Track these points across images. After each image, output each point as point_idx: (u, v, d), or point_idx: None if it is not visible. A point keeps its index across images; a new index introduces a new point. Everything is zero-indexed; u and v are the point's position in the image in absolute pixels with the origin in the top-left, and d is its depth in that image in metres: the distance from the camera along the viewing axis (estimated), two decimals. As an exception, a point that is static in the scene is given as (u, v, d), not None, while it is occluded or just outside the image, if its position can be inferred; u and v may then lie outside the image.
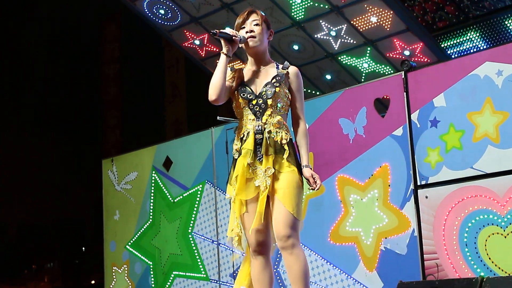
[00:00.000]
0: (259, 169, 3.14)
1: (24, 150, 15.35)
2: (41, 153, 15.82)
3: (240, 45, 3.26)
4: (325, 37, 8.61)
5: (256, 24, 3.25)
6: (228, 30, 3.22)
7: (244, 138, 3.21)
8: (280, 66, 3.31)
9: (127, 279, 6.60)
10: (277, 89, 3.19)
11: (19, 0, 15.27)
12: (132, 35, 14.34)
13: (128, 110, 15.19)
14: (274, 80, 3.22)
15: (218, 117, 5.66)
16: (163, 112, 14.89)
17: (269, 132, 3.17)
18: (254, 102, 3.21)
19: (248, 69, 3.34)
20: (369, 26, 8.19)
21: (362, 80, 8.69)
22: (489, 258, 4.06)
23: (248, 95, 3.22)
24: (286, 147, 3.16)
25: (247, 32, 3.24)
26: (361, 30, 8.28)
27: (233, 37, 3.20)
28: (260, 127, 3.18)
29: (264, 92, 3.20)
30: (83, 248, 14.54)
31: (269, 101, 3.18)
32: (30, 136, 15.56)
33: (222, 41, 3.23)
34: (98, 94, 15.17)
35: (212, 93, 3.21)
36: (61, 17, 15.52)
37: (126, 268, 6.62)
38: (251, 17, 3.28)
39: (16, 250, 14.05)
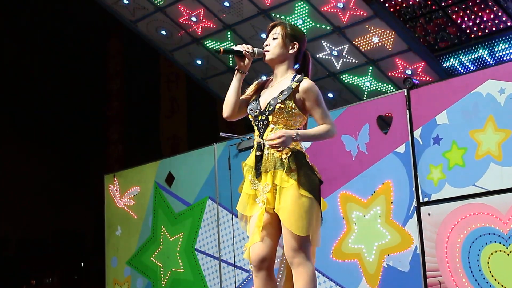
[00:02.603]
0: (259, 186, 3.13)
1: (26, 164, 15.36)
2: (42, 167, 15.82)
3: (259, 58, 3.24)
4: (327, 57, 8.68)
5: (274, 38, 3.21)
6: (238, 47, 3.22)
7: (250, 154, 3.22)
8: (296, 77, 3.18)
9: (127, 295, 6.58)
10: (278, 105, 3.10)
11: (20, 17, 15.39)
12: (134, 50, 14.44)
13: (130, 125, 15.23)
14: (280, 95, 3.12)
15: (220, 133, 5.70)
16: (162, 127, 14.93)
17: (269, 148, 3.09)
18: (259, 118, 3.18)
19: (270, 81, 3.30)
20: (371, 46, 8.27)
21: (364, 98, 8.74)
22: (492, 276, 4.06)
23: (254, 111, 3.20)
24: (286, 162, 3.08)
25: (265, 45, 3.24)
26: (362, 50, 8.35)
27: (244, 52, 3.19)
28: (260, 143, 3.15)
29: (267, 108, 3.14)
30: (82, 264, 14.49)
31: (270, 118, 3.12)
32: (32, 150, 15.58)
33: (235, 58, 3.24)
34: (101, 108, 15.22)
35: (224, 110, 3.25)
36: (64, 32, 15.64)
37: (127, 284, 6.60)
38: (272, 31, 3.25)
39: (15, 264, 13.99)
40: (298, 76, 3.19)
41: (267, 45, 3.23)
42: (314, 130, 3.15)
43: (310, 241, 3.07)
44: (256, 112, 3.19)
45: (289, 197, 3.04)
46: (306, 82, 3.14)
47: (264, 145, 3.13)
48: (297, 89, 3.12)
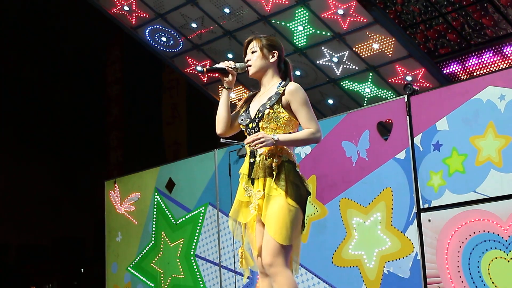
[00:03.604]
0: (252, 192, 3.17)
1: (26, 170, 15.35)
2: (42, 173, 15.81)
3: (242, 72, 3.34)
4: (327, 63, 8.69)
5: (253, 52, 3.32)
6: (220, 64, 3.32)
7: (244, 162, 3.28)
8: (282, 83, 3.27)
9: (127, 301, 6.57)
10: (267, 110, 3.17)
11: (20, 21, 15.43)
12: (134, 56, 14.48)
13: (130, 131, 15.24)
14: (268, 101, 3.20)
15: (221, 139, 5.69)
16: (163, 133, 14.96)
17: (261, 155, 3.17)
18: (250, 126, 3.25)
19: (257, 93, 3.39)
20: (371, 53, 8.28)
21: (364, 104, 8.75)
22: (492, 282, 4.06)
23: (245, 120, 3.27)
24: (275, 170, 3.13)
25: (246, 61, 3.34)
26: (363, 56, 8.36)
27: (227, 69, 3.28)
28: (253, 150, 3.20)
29: (256, 115, 3.22)
30: (82, 270, 14.46)
31: (261, 124, 3.19)
32: (32, 156, 15.57)
33: (220, 75, 3.33)
34: (100, 115, 15.25)
35: (217, 128, 3.35)
36: (64, 38, 15.67)
37: (127, 290, 6.60)
38: (249, 46, 3.36)
39: (15, 271, 13.97)
40: (284, 82, 3.27)
41: (248, 60, 3.33)
42: (296, 134, 3.19)
43: (290, 250, 3.10)
44: (247, 120, 3.27)
45: (276, 206, 3.08)
46: (292, 85, 3.22)
47: (256, 152, 3.18)
48: (283, 93, 3.20)
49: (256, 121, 3.20)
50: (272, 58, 3.31)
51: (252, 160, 3.20)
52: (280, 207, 3.06)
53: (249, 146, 3.13)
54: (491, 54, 8.18)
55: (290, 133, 3.22)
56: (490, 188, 4.12)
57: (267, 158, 3.15)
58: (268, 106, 3.17)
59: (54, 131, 15.93)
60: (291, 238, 3.07)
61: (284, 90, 3.20)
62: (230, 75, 3.31)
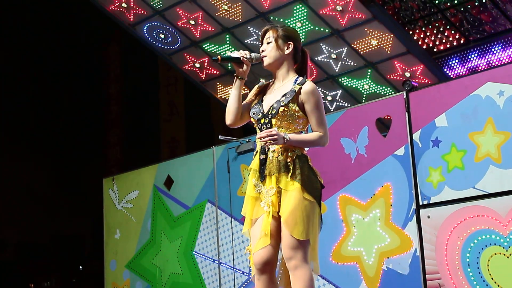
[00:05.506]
0: (263, 189, 3.15)
1: (24, 168, 15.34)
2: (41, 171, 15.80)
3: (257, 63, 3.28)
4: (325, 60, 8.68)
5: (269, 42, 3.25)
6: (235, 53, 3.25)
7: (254, 157, 3.24)
8: (299, 80, 3.21)
9: (126, 299, 6.56)
10: (281, 108, 3.12)
11: (19, 19, 15.40)
12: (133, 53, 14.46)
13: (128, 128, 15.23)
14: (283, 98, 3.15)
15: (219, 136, 5.69)
16: (160, 131, 14.96)
17: (273, 151, 3.13)
18: (262, 121, 3.20)
19: (271, 85, 3.33)
20: (370, 49, 8.27)
21: (363, 101, 8.74)
22: (492, 279, 4.06)
23: (257, 114, 3.22)
24: (290, 165, 3.11)
25: (261, 51, 3.27)
26: (361, 52, 8.35)
27: (242, 58, 3.22)
28: (264, 147, 3.17)
29: (270, 111, 3.17)
30: (80, 267, 14.47)
31: (274, 121, 3.15)
32: (31, 154, 15.56)
33: (233, 64, 3.26)
34: (100, 112, 15.24)
35: (227, 118, 3.28)
36: (63, 35, 15.64)
37: (126, 288, 6.59)
38: (265, 36, 3.28)
39: (14, 268, 13.97)
40: (300, 79, 3.21)
41: (263, 50, 3.26)
42: (306, 136, 3.17)
43: (309, 244, 3.08)
44: (259, 115, 3.21)
45: (292, 200, 3.06)
46: (308, 85, 3.16)
47: (268, 148, 3.14)
48: (299, 91, 3.15)
49: (269, 117, 3.16)
50: (287, 49, 3.24)
51: (262, 157, 3.16)
52: (297, 201, 3.05)
53: (261, 141, 3.09)
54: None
55: (301, 131, 3.19)
56: (490, 184, 4.12)
57: (280, 154, 3.12)
58: (283, 104, 3.12)
59: (53, 128, 15.91)
60: (308, 233, 3.06)
61: (301, 88, 3.15)
62: (244, 65, 3.23)
